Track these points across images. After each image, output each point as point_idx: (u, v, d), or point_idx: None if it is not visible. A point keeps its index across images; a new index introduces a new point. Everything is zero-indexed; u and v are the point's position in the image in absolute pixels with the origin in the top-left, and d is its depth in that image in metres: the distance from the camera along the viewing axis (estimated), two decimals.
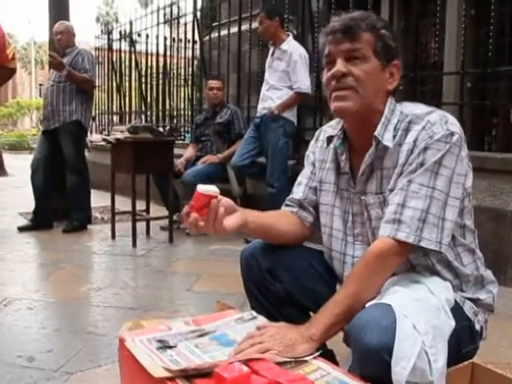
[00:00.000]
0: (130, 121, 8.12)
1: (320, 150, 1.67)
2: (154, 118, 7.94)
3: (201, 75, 7.12)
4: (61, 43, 5.11)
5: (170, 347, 1.27)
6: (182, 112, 7.74)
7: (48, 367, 2.16)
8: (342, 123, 1.56)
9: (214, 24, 6.77)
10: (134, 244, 4.42)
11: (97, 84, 6.28)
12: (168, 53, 7.51)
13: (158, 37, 7.52)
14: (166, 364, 1.17)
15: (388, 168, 1.45)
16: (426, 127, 1.39)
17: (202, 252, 4.31)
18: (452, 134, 1.38)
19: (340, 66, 1.42)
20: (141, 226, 4.69)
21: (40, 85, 37.39)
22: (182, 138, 7.20)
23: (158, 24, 7.53)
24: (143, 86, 8.26)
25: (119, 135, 4.59)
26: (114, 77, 8.91)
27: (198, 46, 7.06)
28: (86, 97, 5.14)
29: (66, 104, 5.01)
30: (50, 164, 5.07)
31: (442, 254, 1.41)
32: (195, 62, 7.53)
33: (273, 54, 4.67)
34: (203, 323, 1.41)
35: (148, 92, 8.21)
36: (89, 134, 6.29)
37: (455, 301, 1.40)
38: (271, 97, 4.60)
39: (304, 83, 4.51)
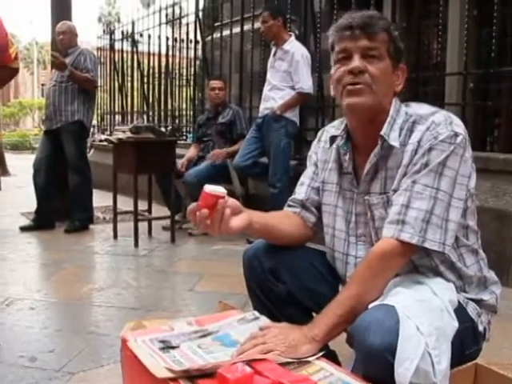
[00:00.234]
0: (132, 121, 8.12)
1: (322, 150, 1.67)
2: (155, 118, 7.94)
3: (203, 75, 7.12)
4: (63, 43, 5.12)
5: (173, 347, 1.26)
6: (184, 112, 7.74)
7: (50, 367, 2.16)
8: (346, 123, 1.56)
9: (216, 24, 6.77)
10: (136, 244, 4.42)
11: (99, 84, 6.28)
12: (170, 53, 7.51)
13: (160, 37, 7.53)
14: (169, 364, 1.17)
15: (392, 168, 1.45)
16: (430, 128, 1.39)
17: (204, 252, 4.31)
18: (456, 134, 1.37)
19: (358, 62, 1.41)
20: (143, 226, 4.69)
21: (42, 85, 37.44)
22: (184, 138, 7.20)
23: (160, 24, 7.53)
24: (145, 86, 8.27)
25: (121, 135, 4.60)
26: (116, 77, 8.91)
27: (200, 46, 7.06)
28: (88, 97, 5.14)
29: (68, 104, 5.01)
30: (52, 164, 5.07)
31: (446, 255, 1.41)
32: (197, 63, 7.53)
33: (275, 55, 4.67)
34: (206, 323, 1.41)
35: (150, 92, 8.21)
36: (96, 134, 6.30)
37: (458, 302, 1.40)
38: (273, 97, 4.60)
39: (306, 83, 4.51)
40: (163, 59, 7.64)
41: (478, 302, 1.49)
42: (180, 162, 5.08)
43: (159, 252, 4.32)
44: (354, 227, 1.56)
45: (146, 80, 8.29)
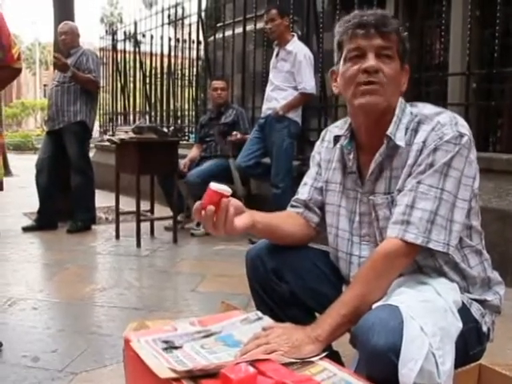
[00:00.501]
0: (134, 121, 8.12)
1: (326, 150, 1.67)
2: (158, 119, 7.94)
3: (205, 76, 7.12)
4: (65, 43, 5.12)
5: (176, 348, 1.26)
6: (187, 112, 7.75)
7: (53, 367, 2.16)
8: (349, 122, 1.55)
9: (219, 24, 6.78)
10: (139, 244, 4.42)
11: (101, 84, 6.28)
12: (172, 53, 7.51)
13: (162, 37, 7.52)
14: (172, 365, 1.17)
15: (397, 168, 1.45)
16: (435, 128, 1.39)
17: (207, 252, 4.31)
18: (461, 135, 1.37)
19: (373, 61, 1.40)
20: (145, 227, 4.69)
21: (44, 85, 37.50)
22: (187, 138, 7.20)
23: (162, 25, 7.53)
24: (147, 86, 8.27)
25: (124, 135, 4.60)
26: (118, 77, 8.91)
27: (202, 46, 7.06)
28: (90, 97, 5.14)
29: (71, 104, 5.02)
30: (55, 164, 5.08)
31: (450, 256, 1.41)
32: (199, 63, 7.54)
33: (277, 55, 4.66)
34: (209, 324, 1.40)
35: (152, 93, 8.21)
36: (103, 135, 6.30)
37: (462, 302, 1.39)
38: (276, 97, 4.60)
39: (309, 84, 4.50)
40: (165, 60, 7.63)
41: (482, 302, 1.49)
42: (182, 163, 5.08)
43: (161, 252, 4.32)
44: (357, 227, 1.56)
45: (148, 80, 8.30)
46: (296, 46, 4.58)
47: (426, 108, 1.47)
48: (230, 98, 5.70)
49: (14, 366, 2.18)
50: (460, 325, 1.30)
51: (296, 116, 4.60)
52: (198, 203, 1.41)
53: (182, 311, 2.89)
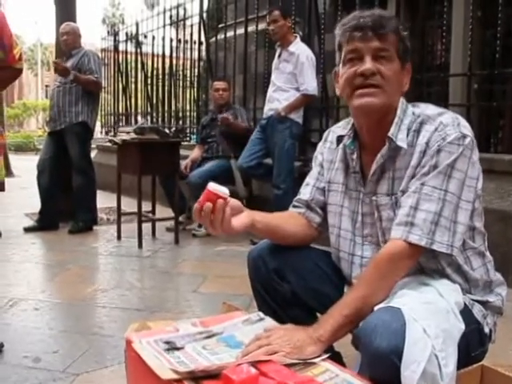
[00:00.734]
0: (136, 122, 8.12)
1: (328, 150, 1.67)
2: (159, 120, 7.95)
3: (207, 77, 7.12)
4: (67, 44, 5.12)
5: (178, 349, 1.26)
6: (188, 113, 7.75)
7: (54, 368, 2.16)
8: (352, 123, 1.55)
9: (220, 25, 6.78)
10: (140, 245, 4.42)
11: (103, 85, 6.28)
12: (174, 54, 7.52)
13: (164, 38, 7.53)
14: (174, 366, 1.16)
15: (400, 169, 1.44)
16: (438, 128, 1.39)
17: (208, 253, 4.31)
18: (464, 136, 1.37)
19: (370, 64, 1.40)
20: (146, 227, 4.69)
21: (46, 86, 37.53)
22: (188, 139, 7.20)
23: (164, 25, 7.53)
24: (149, 87, 8.28)
25: (125, 136, 4.60)
26: (120, 78, 8.92)
27: (204, 47, 7.06)
28: (92, 98, 5.14)
29: (72, 105, 5.02)
30: (56, 165, 5.08)
31: (453, 258, 1.41)
32: (201, 64, 7.54)
33: (280, 56, 4.66)
34: (210, 325, 1.40)
35: (154, 93, 8.22)
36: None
37: (464, 303, 1.39)
38: (278, 98, 4.60)
39: (311, 85, 4.50)
40: (167, 60, 7.64)
41: (484, 303, 1.48)
42: (184, 163, 5.08)
43: (163, 253, 4.32)
44: (360, 227, 1.56)
45: (149, 81, 8.30)
46: (298, 47, 4.58)
47: (428, 108, 1.47)
48: (232, 98, 5.71)
49: (15, 366, 2.18)
50: (462, 326, 1.29)
51: (298, 117, 4.61)
52: (197, 204, 1.43)
53: (183, 312, 2.89)
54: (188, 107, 7.78)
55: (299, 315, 1.58)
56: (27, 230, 5.01)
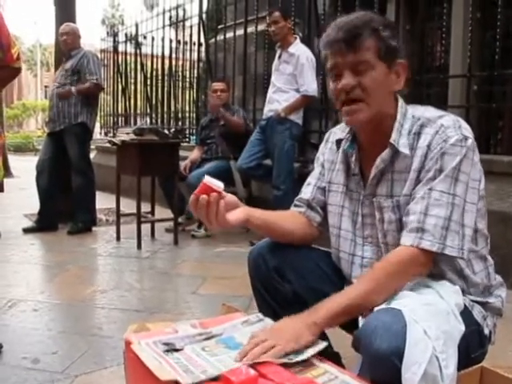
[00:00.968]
0: (135, 123, 8.12)
1: (330, 151, 1.67)
2: (159, 120, 7.95)
3: (206, 77, 7.12)
4: (66, 44, 5.12)
5: (177, 350, 1.26)
6: (187, 114, 7.75)
7: (53, 369, 2.16)
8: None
9: (220, 26, 6.78)
10: (139, 246, 4.42)
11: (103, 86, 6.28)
12: (173, 55, 7.52)
13: (163, 39, 7.53)
14: (178, 373, 1.15)
15: (400, 171, 1.44)
16: (439, 131, 1.38)
17: (207, 254, 4.31)
18: (466, 138, 1.37)
19: (348, 79, 1.40)
20: (146, 228, 4.69)
21: (45, 87, 37.51)
22: (188, 140, 7.20)
23: (163, 26, 7.54)
24: (148, 88, 8.28)
25: (124, 137, 4.59)
26: (119, 79, 8.92)
27: (203, 48, 7.06)
28: (91, 99, 5.14)
29: (72, 106, 5.01)
30: (55, 166, 5.07)
31: (454, 261, 1.41)
32: (200, 65, 7.54)
33: (280, 57, 4.66)
34: (210, 326, 1.40)
35: (153, 94, 8.22)
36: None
37: (464, 305, 1.39)
38: (278, 99, 4.60)
39: (311, 86, 4.51)
40: (166, 61, 7.65)
41: (484, 304, 1.48)
42: (183, 164, 5.08)
43: (162, 254, 4.31)
44: (360, 228, 1.56)
45: (149, 82, 8.30)
46: (298, 48, 4.58)
47: (428, 111, 1.46)
48: (231, 99, 5.70)
49: (14, 367, 2.17)
50: (462, 328, 1.29)
51: (297, 118, 4.61)
52: (192, 195, 1.44)
53: (182, 313, 2.88)
54: (187, 108, 7.78)
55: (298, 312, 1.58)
56: (26, 230, 5.00)
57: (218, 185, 1.44)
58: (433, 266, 1.42)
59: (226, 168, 4.89)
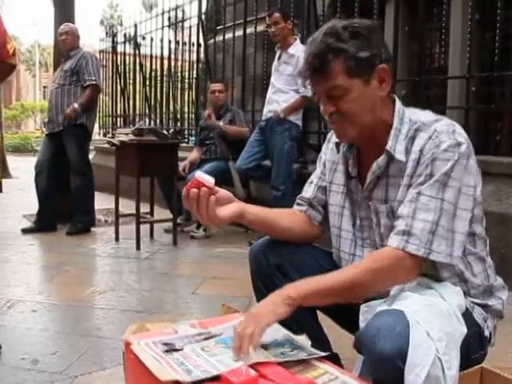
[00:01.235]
0: (134, 123, 8.12)
1: (331, 151, 1.67)
2: (158, 121, 7.94)
3: (205, 78, 7.12)
4: (65, 44, 5.12)
5: (177, 350, 1.26)
6: (187, 115, 7.75)
7: (52, 370, 2.15)
8: None
9: (219, 27, 6.78)
10: (138, 247, 4.41)
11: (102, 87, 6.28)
12: (172, 56, 7.52)
13: (162, 40, 7.53)
14: (180, 374, 1.15)
15: (394, 175, 1.44)
16: (432, 136, 1.37)
17: (207, 255, 4.30)
18: (459, 144, 1.35)
19: (326, 106, 1.43)
20: (145, 229, 4.69)
21: (44, 87, 37.57)
22: (187, 140, 7.20)
23: (162, 27, 7.53)
24: (147, 88, 8.27)
25: (123, 138, 4.59)
26: (118, 80, 8.92)
27: (202, 49, 7.06)
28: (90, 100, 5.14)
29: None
30: (54, 166, 5.07)
31: (454, 265, 1.40)
32: (199, 66, 7.54)
33: (279, 58, 4.66)
34: (209, 326, 1.40)
35: (152, 95, 8.22)
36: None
37: (465, 307, 1.39)
38: (277, 100, 4.60)
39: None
40: (165, 62, 7.64)
41: (484, 306, 1.48)
42: (182, 165, 5.07)
43: (161, 255, 4.31)
44: (359, 229, 1.57)
45: (148, 83, 8.30)
46: (298, 49, 4.57)
47: (424, 115, 1.46)
48: (231, 100, 5.70)
49: (13, 368, 2.17)
50: (464, 330, 1.28)
51: (297, 119, 4.61)
52: (184, 189, 1.47)
53: (182, 314, 2.88)
54: (186, 109, 7.78)
55: (299, 312, 1.57)
56: (25, 231, 5.00)
57: (209, 180, 1.46)
58: (433, 271, 1.41)
59: (224, 169, 4.89)
